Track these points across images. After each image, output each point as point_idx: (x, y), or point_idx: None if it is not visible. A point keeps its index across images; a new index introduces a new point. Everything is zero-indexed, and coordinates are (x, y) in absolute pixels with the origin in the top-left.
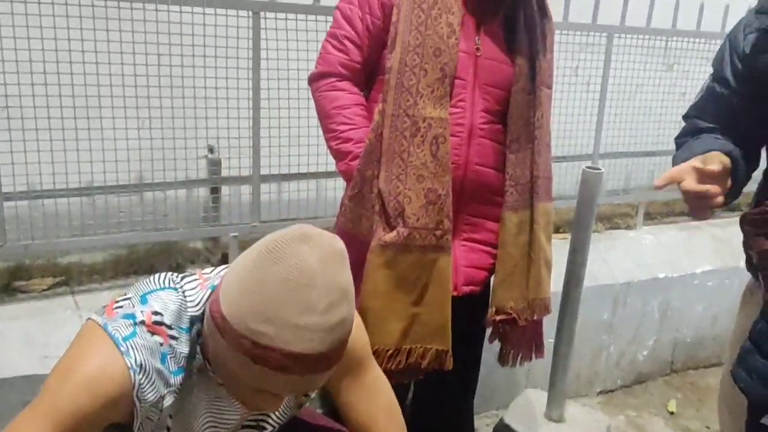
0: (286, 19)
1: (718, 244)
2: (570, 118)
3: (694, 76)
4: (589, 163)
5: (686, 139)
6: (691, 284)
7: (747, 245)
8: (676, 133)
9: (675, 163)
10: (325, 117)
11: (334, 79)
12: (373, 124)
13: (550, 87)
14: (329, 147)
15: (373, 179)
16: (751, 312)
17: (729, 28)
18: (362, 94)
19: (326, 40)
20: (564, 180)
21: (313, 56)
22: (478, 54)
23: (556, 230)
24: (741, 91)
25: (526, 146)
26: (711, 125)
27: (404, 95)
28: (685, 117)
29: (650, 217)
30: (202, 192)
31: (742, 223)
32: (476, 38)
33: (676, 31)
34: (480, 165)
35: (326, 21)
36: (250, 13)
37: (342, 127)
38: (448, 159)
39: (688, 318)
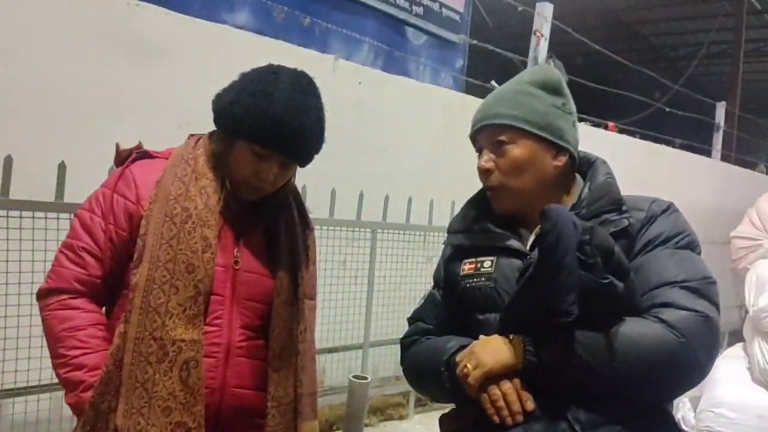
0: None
1: None
2: (340, 310)
3: None
4: (360, 354)
5: (417, 338)
6: None
7: None
8: None
9: (430, 357)
10: (54, 340)
11: (66, 297)
12: (112, 348)
13: (313, 298)
14: (57, 375)
15: (109, 413)
16: None
17: None
18: (101, 311)
19: (60, 251)
20: (335, 374)
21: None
22: (237, 267)
23: (329, 428)
24: (444, 297)
25: (289, 362)
26: (430, 326)
27: (151, 315)
28: (410, 319)
29: (421, 403)
30: None
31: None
32: (235, 251)
33: (432, 227)
34: (238, 387)
35: (69, 220)
36: None
37: (73, 352)
38: (201, 385)
39: None
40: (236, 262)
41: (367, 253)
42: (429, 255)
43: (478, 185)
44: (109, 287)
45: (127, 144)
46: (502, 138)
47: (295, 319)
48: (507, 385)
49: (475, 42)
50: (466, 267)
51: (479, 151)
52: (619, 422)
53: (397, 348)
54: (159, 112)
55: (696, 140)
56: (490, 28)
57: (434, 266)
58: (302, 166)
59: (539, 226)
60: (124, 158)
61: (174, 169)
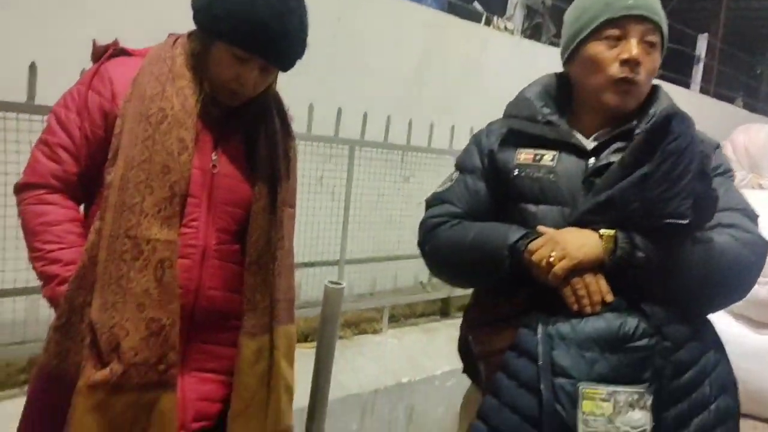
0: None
1: (453, 345)
2: (316, 226)
3: (428, 187)
4: (335, 270)
5: (446, 219)
6: (433, 386)
7: (464, 345)
8: (414, 240)
9: (484, 240)
10: (29, 234)
11: (42, 191)
12: (87, 244)
13: (292, 206)
14: (34, 269)
15: (84, 307)
16: (471, 419)
17: (455, 145)
18: (78, 208)
19: (36, 147)
20: (311, 287)
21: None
22: (215, 171)
23: (305, 339)
24: (487, 183)
25: (266, 267)
26: (460, 210)
27: (126, 214)
28: (434, 200)
29: (395, 319)
30: None
31: (469, 321)
32: (213, 154)
33: (410, 146)
34: (214, 288)
35: (41, 122)
36: None
37: (49, 246)
38: (176, 284)
39: (432, 420)
40: (214, 166)
41: (345, 170)
42: (406, 175)
43: (457, 106)
44: (85, 185)
45: (102, 42)
46: (654, 39)
47: (274, 226)
48: (590, 277)
49: None
50: (522, 156)
51: (620, 38)
52: (682, 322)
53: (373, 266)
54: (134, 6)
55: (677, 72)
56: None
57: (411, 185)
58: (284, 70)
59: (650, 125)
60: (99, 55)
61: (150, 67)
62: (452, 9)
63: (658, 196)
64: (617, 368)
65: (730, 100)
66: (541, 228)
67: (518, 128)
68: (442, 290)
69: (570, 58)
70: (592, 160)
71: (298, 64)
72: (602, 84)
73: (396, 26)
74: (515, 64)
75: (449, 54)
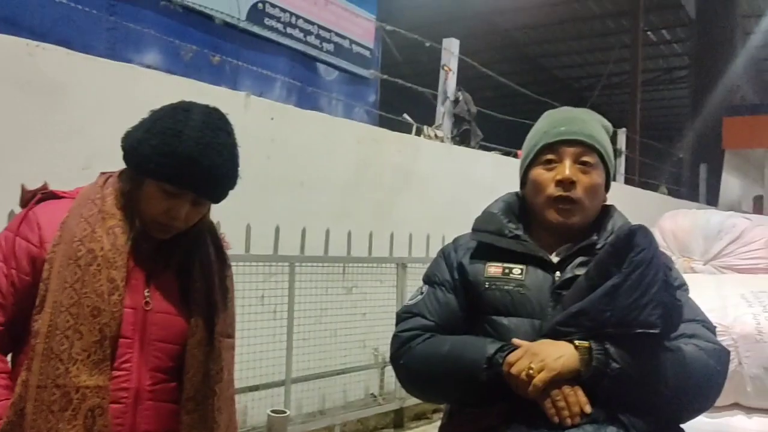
0: None
1: None
2: (259, 347)
3: (372, 297)
4: (282, 392)
5: (419, 332)
6: None
7: None
8: (362, 351)
9: (460, 353)
10: None
11: None
12: (14, 398)
13: (231, 336)
14: None
15: None
16: None
17: (395, 252)
18: (5, 360)
19: None
20: (257, 412)
21: None
22: (148, 308)
23: None
24: (457, 296)
25: (204, 404)
26: (432, 322)
27: (53, 363)
28: (405, 314)
29: None
30: None
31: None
32: (146, 291)
33: (351, 257)
34: None
35: None
36: None
37: None
38: None
39: None
40: (147, 303)
41: (286, 287)
42: (348, 286)
43: (394, 214)
44: (13, 335)
45: (32, 186)
46: (590, 159)
47: (212, 359)
48: (569, 389)
49: (385, 77)
50: (492, 270)
51: (556, 161)
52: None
53: (321, 382)
54: (63, 152)
55: None
56: (401, 63)
57: (354, 297)
58: (216, 202)
59: (615, 238)
60: (28, 200)
61: (80, 209)
62: (383, 122)
63: (630, 305)
64: None
65: (655, 188)
66: (516, 341)
67: (487, 242)
68: (395, 401)
69: (523, 182)
70: (558, 274)
71: (237, 186)
72: (543, 203)
73: (329, 142)
74: (447, 169)
75: (383, 164)
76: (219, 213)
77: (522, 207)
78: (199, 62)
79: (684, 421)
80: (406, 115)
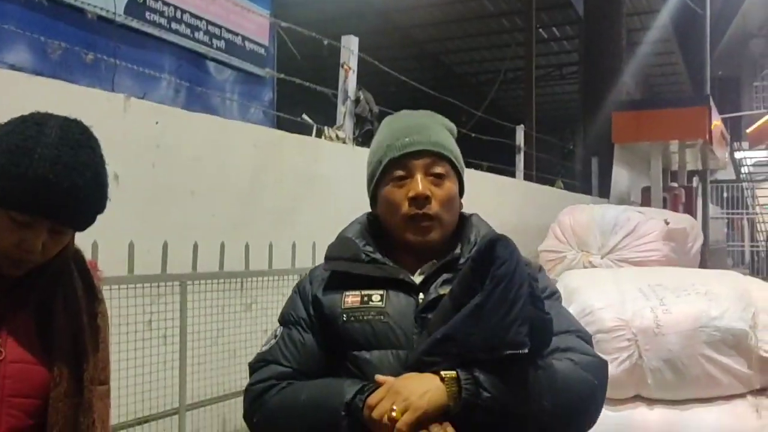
0: None
1: None
2: (149, 376)
3: (273, 312)
4: (176, 421)
5: (274, 382)
6: None
7: None
8: None
9: (318, 401)
10: None
11: None
12: None
13: (104, 383)
14: None
15: None
16: None
17: (298, 262)
18: None
19: None
20: None
21: None
22: (1, 358)
23: None
24: (314, 334)
25: None
26: (289, 369)
27: None
28: (259, 363)
29: None
30: None
31: None
32: None
33: (249, 272)
34: None
35: None
36: None
37: None
38: None
39: None
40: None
41: (177, 309)
42: (248, 302)
43: (296, 222)
44: None
45: None
46: (441, 170)
47: (82, 411)
48: (437, 427)
49: (282, 76)
50: (350, 299)
51: (406, 177)
52: None
53: (220, 407)
54: None
55: (501, 162)
56: (300, 61)
57: (254, 313)
58: (79, 230)
59: (475, 252)
60: None
61: None
62: (281, 123)
63: (496, 325)
64: None
65: (552, 183)
66: (379, 377)
67: (342, 270)
68: None
69: (373, 200)
70: (421, 296)
71: (114, 201)
72: (399, 223)
73: (223, 147)
74: (351, 172)
75: (283, 169)
76: (96, 231)
77: (379, 227)
78: (70, 61)
79: None
80: (305, 116)
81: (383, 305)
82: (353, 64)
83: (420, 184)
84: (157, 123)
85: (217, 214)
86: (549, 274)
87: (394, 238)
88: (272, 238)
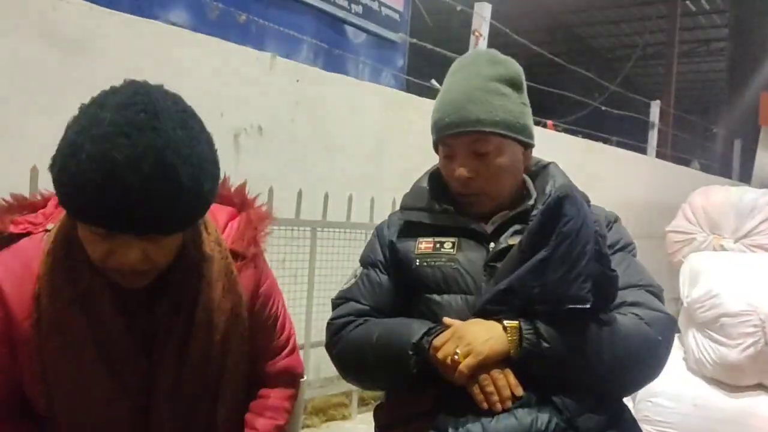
0: None
1: None
2: None
3: None
4: (301, 355)
5: (352, 318)
6: None
7: None
8: None
9: (389, 339)
10: None
11: None
12: None
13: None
14: None
15: None
16: None
17: None
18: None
19: None
20: None
21: None
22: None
23: None
24: (390, 276)
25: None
26: (366, 306)
27: None
28: (339, 299)
29: (365, 403)
30: None
31: (378, 423)
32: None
33: (373, 224)
34: None
35: None
36: None
37: None
38: None
39: None
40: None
41: (307, 252)
42: None
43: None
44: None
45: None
46: (484, 148)
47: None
48: (498, 373)
49: (414, 41)
50: (423, 246)
51: (449, 156)
52: (595, 411)
53: None
54: None
55: (633, 138)
56: (431, 28)
57: None
58: (187, 228)
59: (543, 207)
60: None
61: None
62: (410, 87)
63: (558, 280)
64: None
65: (687, 163)
66: (446, 320)
67: (416, 219)
68: None
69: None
70: (491, 245)
71: (257, 151)
72: (454, 193)
73: (355, 106)
74: None
75: (408, 131)
76: (243, 177)
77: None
78: (225, 21)
79: (624, 396)
80: (434, 81)
81: (454, 252)
82: (484, 30)
83: (461, 165)
84: (297, 81)
85: (347, 168)
86: (675, 256)
87: None
88: (395, 196)
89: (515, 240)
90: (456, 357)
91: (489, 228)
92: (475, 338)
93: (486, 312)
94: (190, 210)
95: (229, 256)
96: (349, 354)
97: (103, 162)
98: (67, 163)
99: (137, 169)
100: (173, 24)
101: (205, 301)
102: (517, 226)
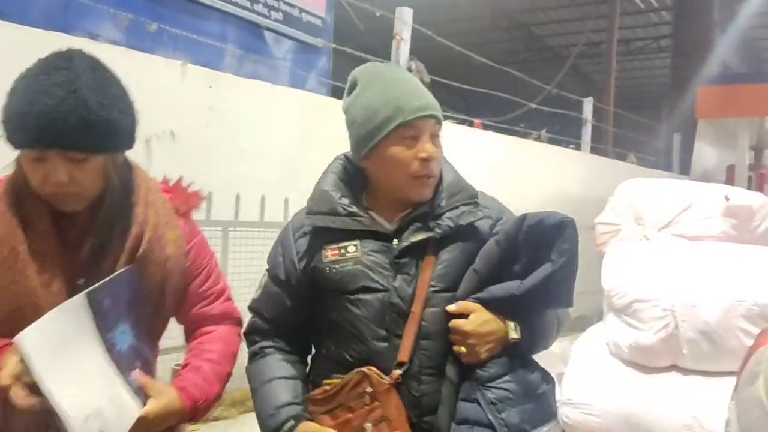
0: None
1: None
2: None
3: None
4: None
5: (256, 338)
6: None
7: None
8: None
9: (259, 404)
10: None
11: None
12: None
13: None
14: None
15: None
16: None
17: None
18: None
19: None
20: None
21: None
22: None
23: None
24: (292, 289)
25: None
26: (268, 322)
27: None
28: (250, 309)
29: None
30: None
31: (306, 403)
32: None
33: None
34: None
35: None
36: None
37: None
38: None
39: None
40: None
41: (219, 251)
42: None
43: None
44: None
45: None
46: (438, 131)
47: None
48: None
49: (333, 45)
50: (329, 253)
51: (415, 137)
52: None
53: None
54: None
55: (571, 135)
56: (362, 32)
57: None
58: (100, 152)
59: (546, 224)
60: None
61: None
62: (336, 92)
63: (566, 290)
64: None
65: (623, 158)
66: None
67: (322, 225)
68: None
69: (365, 156)
70: (395, 242)
71: (170, 155)
72: (404, 181)
73: (271, 110)
74: None
75: (329, 133)
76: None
77: (353, 173)
78: (137, 30)
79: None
80: None
81: (359, 255)
82: (406, 34)
83: (429, 146)
84: (210, 87)
85: (263, 170)
86: (603, 247)
87: (385, 192)
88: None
89: (418, 237)
90: None
91: (392, 227)
92: None
93: (488, 303)
94: (99, 130)
95: (165, 199)
96: (249, 380)
97: (27, 94)
98: (7, 103)
99: (52, 94)
100: (90, 35)
101: (138, 215)
102: (417, 224)
